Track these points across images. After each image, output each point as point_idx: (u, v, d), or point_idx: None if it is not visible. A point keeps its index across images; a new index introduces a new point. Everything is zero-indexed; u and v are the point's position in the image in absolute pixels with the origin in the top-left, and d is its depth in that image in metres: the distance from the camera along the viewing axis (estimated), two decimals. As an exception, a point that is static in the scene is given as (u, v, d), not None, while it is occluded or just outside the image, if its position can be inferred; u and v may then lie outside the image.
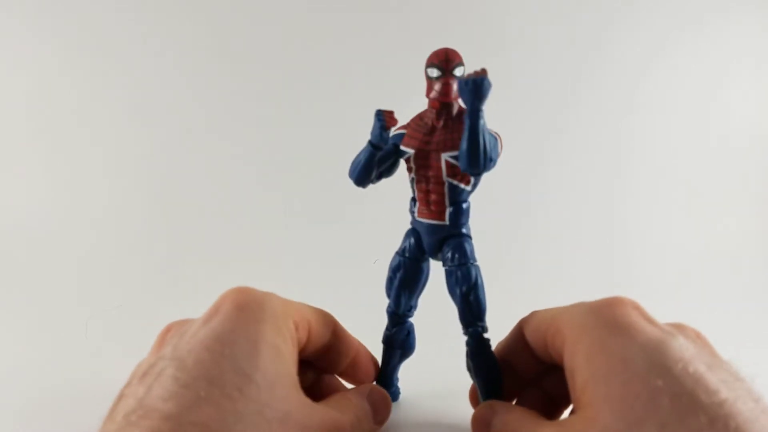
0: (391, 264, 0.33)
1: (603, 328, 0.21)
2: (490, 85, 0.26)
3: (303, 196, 0.76)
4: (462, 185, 0.30)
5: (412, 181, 0.32)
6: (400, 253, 0.33)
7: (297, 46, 0.79)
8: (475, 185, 0.31)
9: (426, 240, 0.32)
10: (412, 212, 0.32)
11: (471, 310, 0.30)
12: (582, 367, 0.21)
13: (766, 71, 0.84)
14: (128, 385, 0.21)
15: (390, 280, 0.33)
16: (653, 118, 0.83)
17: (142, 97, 0.78)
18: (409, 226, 0.33)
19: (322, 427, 0.22)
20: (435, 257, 0.32)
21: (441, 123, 0.30)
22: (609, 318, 0.21)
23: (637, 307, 0.22)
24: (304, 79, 0.78)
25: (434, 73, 0.29)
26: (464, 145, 0.27)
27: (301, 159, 0.77)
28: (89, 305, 0.56)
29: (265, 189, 0.77)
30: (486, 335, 0.30)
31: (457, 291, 0.30)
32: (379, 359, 0.34)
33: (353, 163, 0.31)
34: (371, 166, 0.31)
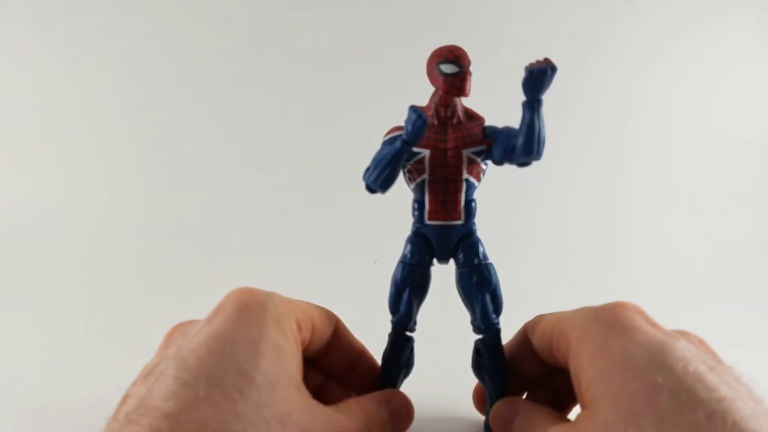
0: (396, 275, 0.31)
1: (606, 330, 0.21)
2: (546, 73, 0.27)
3: (303, 197, 0.76)
4: (476, 182, 0.31)
5: (421, 183, 0.30)
6: (407, 260, 0.31)
7: (297, 46, 0.78)
8: (481, 181, 0.31)
9: (439, 243, 0.31)
10: (417, 216, 0.31)
11: (494, 309, 0.30)
12: (586, 368, 0.21)
13: (766, 71, 0.84)
14: (133, 385, 0.21)
15: (398, 293, 0.31)
16: (653, 118, 0.83)
17: (142, 97, 0.78)
18: (407, 233, 0.32)
19: (326, 430, 0.22)
20: (445, 261, 0.31)
21: (455, 120, 0.30)
22: (612, 320, 0.22)
23: (640, 312, 0.22)
24: (304, 79, 0.78)
25: (451, 69, 0.29)
26: (524, 135, 0.27)
27: (301, 159, 0.77)
28: (89, 305, 0.56)
29: (265, 189, 0.77)
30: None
31: (479, 292, 0.30)
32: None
33: (375, 167, 0.29)
34: (398, 168, 0.29)
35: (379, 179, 0.29)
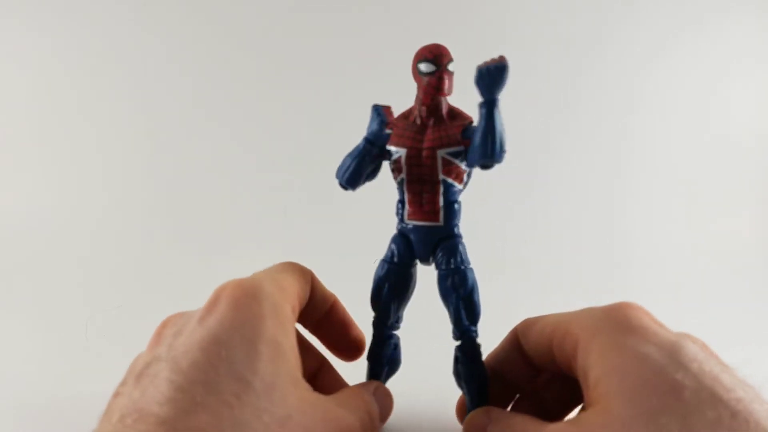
0: (377, 273, 0.31)
1: (617, 329, 0.21)
2: (498, 72, 0.26)
3: (303, 196, 0.76)
4: (456, 183, 0.30)
5: (400, 183, 0.30)
6: (388, 259, 0.31)
7: (298, 46, 0.79)
8: (466, 183, 0.30)
9: (418, 244, 0.30)
10: (399, 216, 0.31)
11: (467, 315, 0.29)
12: (596, 364, 0.21)
13: (766, 71, 0.84)
14: (124, 383, 0.20)
15: (378, 290, 0.31)
16: (653, 118, 0.83)
17: (142, 97, 0.78)
18: (394, 232, 0.32)
19: (328, 427, 0.21)
20: (426, 262, 0.31)
21: (432, 120, 0.30)
22: (622, 319, 0.22)
23: (647, 313, 0.22)
24: (304, 78, 0.78)
25: (429, 68, 0.29)
26: (479, 136, 0.26)
27: (302, 159, 0.77)
28: (89, 305, 0.56)
29: (265, 189, 0.77)
30: (478, 341, 0.30)
31: (454, 295, 0.29)
32: (364, 375, 0.33)
33: (343, 164, 0.30)
34: (364, 165, 0.30)
35: (345, 175, 0.30)
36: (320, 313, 0.30)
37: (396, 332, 0.33)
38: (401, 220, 0.31)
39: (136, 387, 0.19)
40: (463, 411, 0.31)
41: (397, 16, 0.79)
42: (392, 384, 0.32)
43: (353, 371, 0.32)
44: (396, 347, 0.33)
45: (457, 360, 0.30)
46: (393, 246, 0.31)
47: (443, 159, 0.29)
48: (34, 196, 0.76)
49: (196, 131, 0.79)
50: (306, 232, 0.72)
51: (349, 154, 0.30)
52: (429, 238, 0.30)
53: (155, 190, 0.77)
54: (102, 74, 0.78)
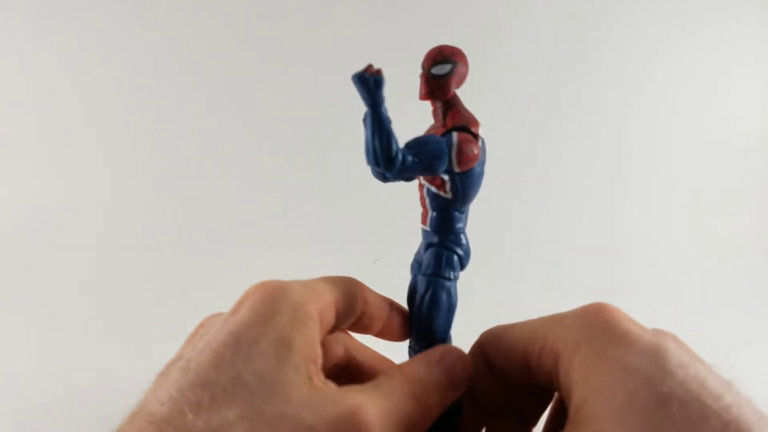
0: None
1: (598, 339, 0.20)
2: (360, 83, 0.24)
3: (303, 197, 0.76)
4: (441, 193, 0.28)
5: None
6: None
7: (299, 46, 0.78)
8: (458, 196, 0.28)
9: (421, 247, 0.30)
10: None
11: (418, 328, 0.27)
12: (580, 383, 0.19)
13: (765, 71, 0.84)
14: (152, 382, 0.21)
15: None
16: (652, 118, 0.83)
17: (144, 97, 0.78)
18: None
19: (328, 423, 0.20)
20: None
21: (438, 122, 0.29)
22: (603, 327, 0.20)
23: (623, 313, 0.21)
24: (305, 79, 0.78)
25: (421, 71, 0.28)
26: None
27: (302, 159, 0.77)
28: (90, 305, 0.56)
29: (265, 189, 0.77)
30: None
31: (410, 305, 0.28)
32: None
33: (366, 146, 0.26)
34: (389, 131, 0.25)
35: (374, 154, 0.25)
36: (379, 324, 0.29)
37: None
38: None
39: (153, 386, 0.20)
40: None
41: (397, 16, 0.79)
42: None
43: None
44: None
45: None
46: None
47: None
48: (35, 196, 0.76)
49: (196, 132, 0.79)
50: (306, 232, 0.72)
51: (366, 136, 0.29)
52: (424, 241, 0.30)
53: (156, 191, 0.77)
54: (103, 75, 0.78)
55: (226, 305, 0.23)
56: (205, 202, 0.76)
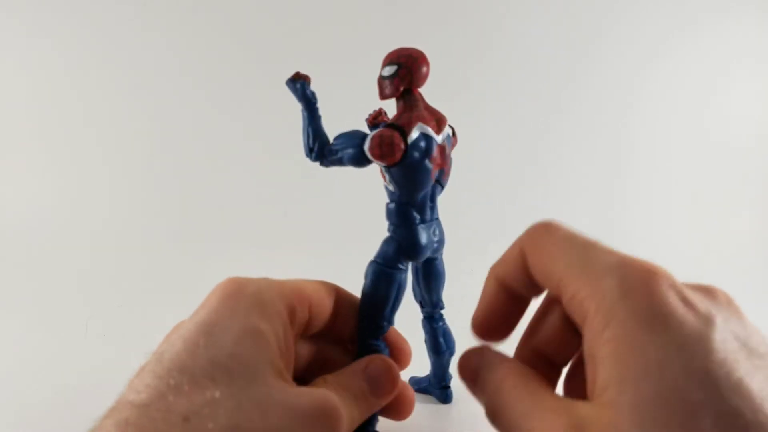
0: None
1: (637, 319, 0.17)
2: (290, 86, 0.32)
3: (302, 196, 0.76)
4: (388, 186, 0.31)
5: None
6: None
7: (299, 46, 0.79)
8: (396, 187, 0.30)
9: None
10: None
11: (360, 304, 0.30)
12: (607, 362, 0.17)
13: (765, 71, 0.84)
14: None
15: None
16: (653, 118, 0.83)
17: (143, 97, 0.78)
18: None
19: (309, 407, 0.21)
20: None
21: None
22: (644, 304, 0.18)
23: (673, 284, 0.18)
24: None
25: None
26: None
27: (301, 160, 0.77)
28: (89, 305, 0.56)
29: (265, 189, 0.78)
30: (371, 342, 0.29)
31: None
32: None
33: (305, 140, 0.32)
34: (308, 128, 0.32)
35: (311, 146, 0.32)
36: (353, 322, 0.30)
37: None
38: None
39: (130, 381, 0.20)
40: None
41: (398, 16, 0.79)
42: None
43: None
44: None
45: None
46: None
47: None
48: (35, 197, 0.76)
49: (196, 132, 0.79)
50: (306, 232, 0.72)
51: (304, 132, 0.34)
52: None
53: (156, 191, 0.77)
54: (103, 75, 0.78)
55: (226, 305, 0.23)
56: (205, 202, 0.76)
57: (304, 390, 0.22)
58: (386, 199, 0.32)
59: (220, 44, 0.79)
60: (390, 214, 0.31)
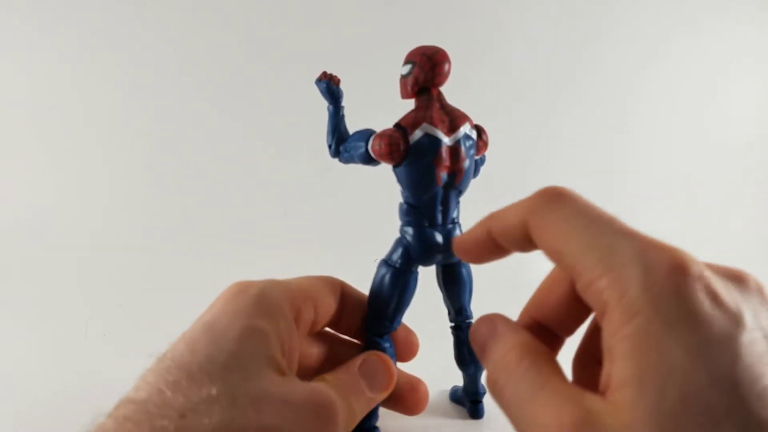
0: None
1: (660, 319, 0.16)
2: (318, 85, 0.33)
3: (303, 196, 0.76)
4: (399, 184, 0.31)
5: None
6: None
7: (299, 45, 0.79)
8: (401, 187, 0.30)
9: None
10: None
11: (368, 306, 0.30)
12: (626, 359, 0.16)
13: (765, 71, 0.84)
14: None
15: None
16: (652, 116, 0.83)
17: (144, 96, 0.78)
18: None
19: (304, 400, 0.21)
20: None
21: None
22: (671, 300, 0.16)
23: (701, 277, 0.17)
24: (306, 79, 0.78)
25: None
26: None
27: (302, 158, 0.77)
28: (89, 305, 0.56)
29: (265, 188, 0.77)
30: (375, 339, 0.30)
31: None
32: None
33: (327, 137, 0.33)
34: (329, 125, 0.33)
35: (334, 144, 0.33)
36: (360, 317, 0.30)
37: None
38: None
39: (136, 383, 0.21)
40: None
41: (398, 15, 0.79)
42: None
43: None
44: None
45: None
46: None
47: None
48: (35, 196, 0.76)
49: (196, 132, 0.79)
50: (306, 232, 0.72)
51: (328, 129, 0.34)
52: None
53: (155, 191, 0.77)
54: (102, 74, 0.78)
55: (226, 305, 0.24)
56: (205, 202, 0.76)
57: (300, 384, 0.22)
58: (397, 199, 0.31)
59: (221, 44, 0.79)
60: (400, 214, 0.31)
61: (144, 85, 0.78)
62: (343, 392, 0.24)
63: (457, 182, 0.30)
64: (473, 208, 0.32)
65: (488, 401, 0.35)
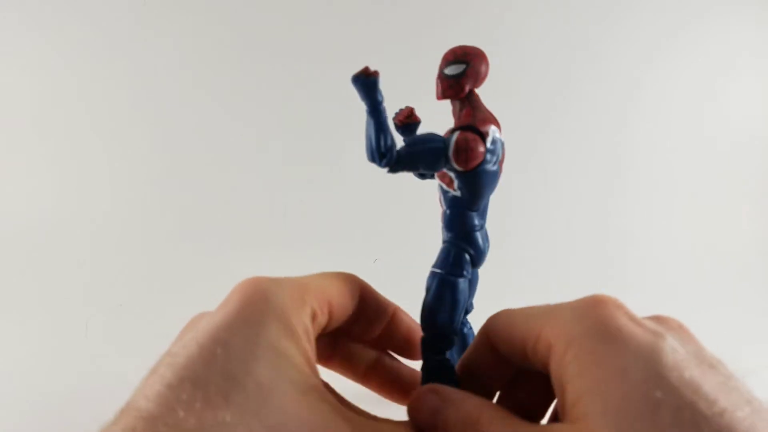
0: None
1: (592, 336, 0.20)
2: (356, 82, 0.26)
3: (303, 196, 0.76)
4: (450, 190, 0.29)
5: None
6: None
7: (299, 46, 0.79)
8: (465, 194, 0.29)
9: None
10: None
11: (424, 320, 0.29)
12: (574, 380, 0.19)
13: (765, 71, 0.84)
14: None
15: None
16: (652, 116, 0.83)
17: (144, 96, 0.78)
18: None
19: None
20: None
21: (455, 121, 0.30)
22: (597, 323, 0.20)
23: (620, 306, 0.21)
24: (306, 79, 0.78)
25: None
26: None
27: (302, 158, 0.77)
28: (89, 305, 0.56)
29: (266, 188, 0.78)
30: (439, 357, 0.28)
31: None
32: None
33: (365, 142, 0.27)
34: (381, 129, 0.27)
35: (376, 149, 0.27)
36: (378, 325, 0.29)
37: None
38: None
39: (141, 382, 0.19)
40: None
41: (398, 15, 0.79)
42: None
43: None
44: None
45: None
46: None
47: None
48: (35, 196, 0.76)
49: (197, 132, 0.79)
50: (306, 232, 0.72)
51: (367, 133, 0.29)
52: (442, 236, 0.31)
53: (156, 190, 0.77)
54: (103, 73, 0.78)
55: (226, 305, 0.23)
56: (206, 202, 0.76)
57: (334, 422, 0.20)
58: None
59: (221, 43, 0.79)
60: (452, 223, 0.29)
61: (144, 85, 0.78)
62: None
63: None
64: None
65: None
